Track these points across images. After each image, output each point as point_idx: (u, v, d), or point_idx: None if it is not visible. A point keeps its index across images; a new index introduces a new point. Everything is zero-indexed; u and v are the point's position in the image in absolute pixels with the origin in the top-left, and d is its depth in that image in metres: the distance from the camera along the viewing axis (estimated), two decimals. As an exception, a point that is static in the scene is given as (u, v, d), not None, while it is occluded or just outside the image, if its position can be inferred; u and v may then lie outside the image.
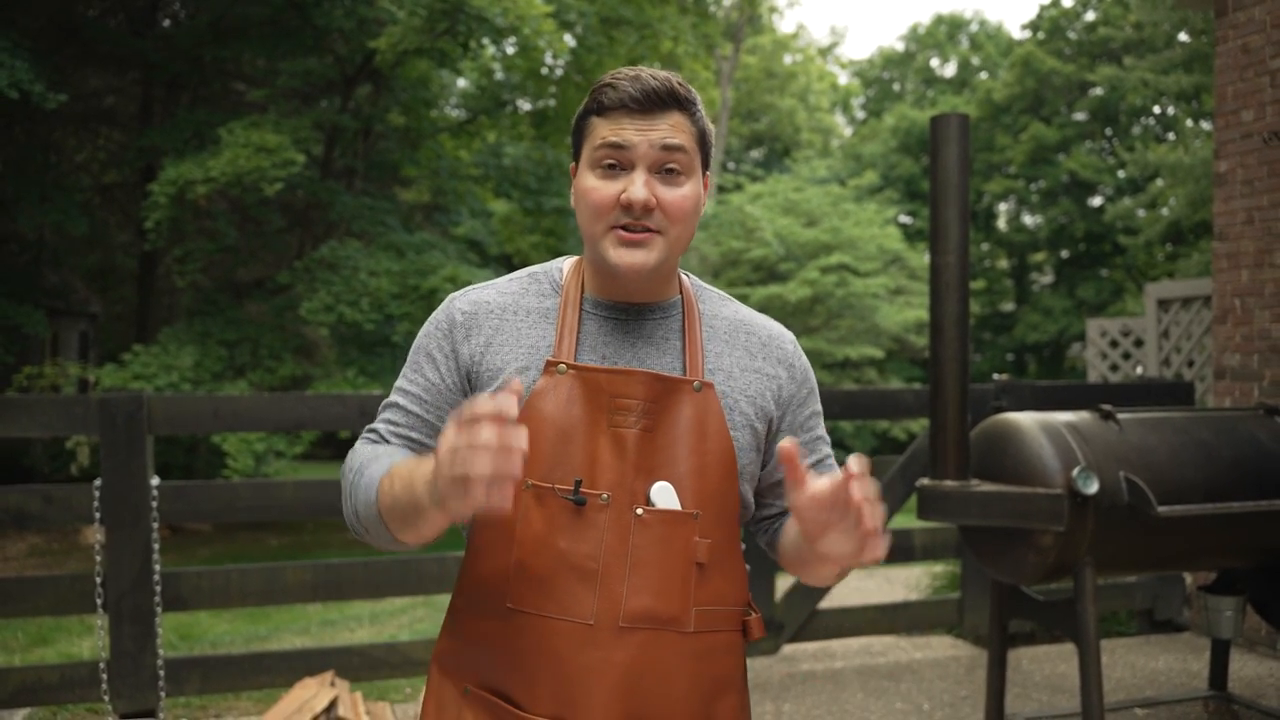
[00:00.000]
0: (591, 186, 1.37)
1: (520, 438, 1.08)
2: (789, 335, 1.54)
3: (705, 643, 1.39)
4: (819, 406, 1.55)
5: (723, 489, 1.40)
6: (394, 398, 1.47)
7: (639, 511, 1.35)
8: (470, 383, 1.42)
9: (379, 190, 12.30)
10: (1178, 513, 2.91)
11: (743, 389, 1.44)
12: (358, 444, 1.48)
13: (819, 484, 1.19)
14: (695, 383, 1.40)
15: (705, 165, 1.45)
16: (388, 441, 1.45)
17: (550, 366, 1.37)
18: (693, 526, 1.37)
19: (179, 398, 4.06)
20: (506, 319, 1.43)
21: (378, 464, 1.37)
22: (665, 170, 1.36)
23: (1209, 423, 3.29)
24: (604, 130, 1.37)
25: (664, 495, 1.37)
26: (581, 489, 1.34)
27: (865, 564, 1.23)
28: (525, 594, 1.35)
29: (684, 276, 1.52)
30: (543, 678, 1.34)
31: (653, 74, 1.37)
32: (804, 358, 1.54)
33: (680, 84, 1.38)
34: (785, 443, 1.17)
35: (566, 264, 1.51)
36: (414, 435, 1.44)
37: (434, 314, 1.49)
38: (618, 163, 1.36)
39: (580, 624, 1.33)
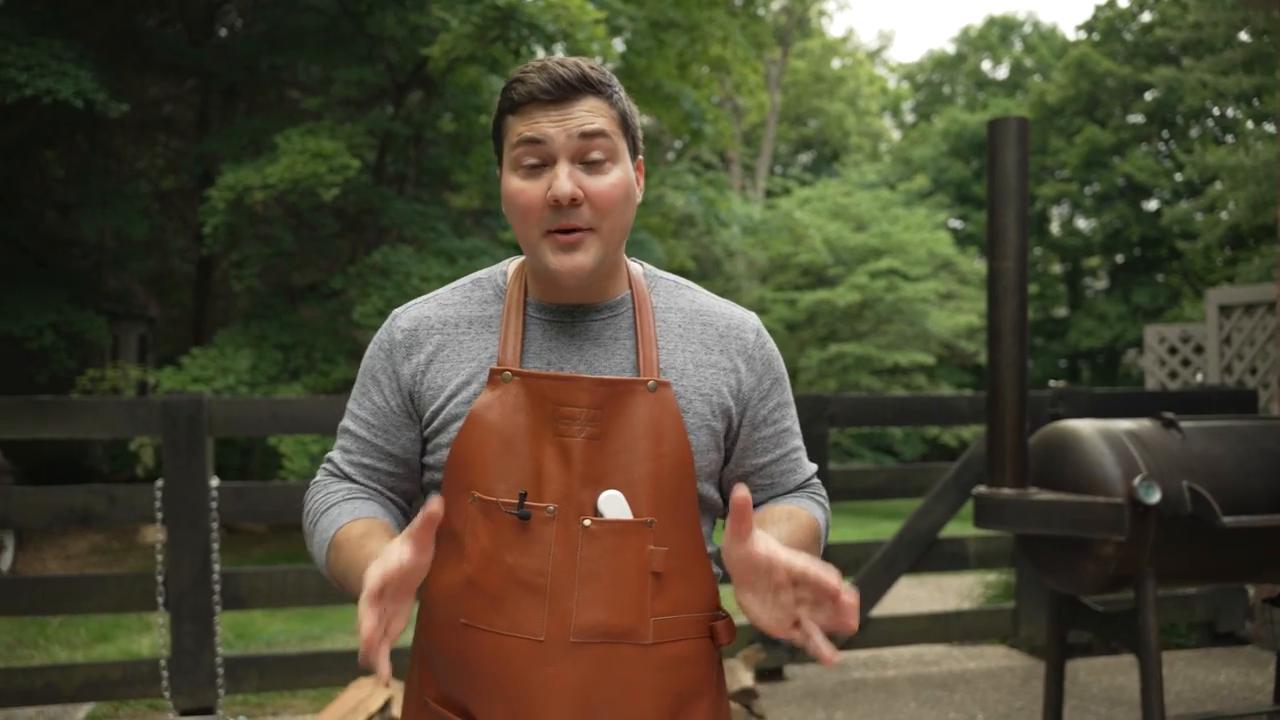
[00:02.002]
0: (517, 189, 1.32)
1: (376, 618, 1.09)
2: (751, 322, 1.45)
3: (667, 653, 1.34)
4: (787, 397, 1.48)
5: (680, 493, 1.35)
6: (346, 422, 1.46)
7: (586, 523, 1.30)
8: (413, 402, 1.40)
9: (430, 196, 12.41)
10: (1244, 523, 2.85)
11: (696, 387, 1.38)
12: (318, 474, 1.48)
13: (758, 547, 1.15)
14: (650, 382, 1.34)
15: (634, 151, 1.38)
16: (343, 473, 1.45)
17: (495, 375, 1.34)
18: (646, 535, 1.31)
19: (238, 400, 4.14)
20: (448, 333, 1.40)
21: (327, 518, 1.37)
22: (589, 160, 1.30)
23: (1275, 431, 3.21)
24: (519, 127, 1.31)
25: (613, 505, 1.31)
26: (526, 501, 1.30)
27: (791, 636, 1.19)
28: (476, 610, 1.32)
29: (634, 266, 1.46)
30: (498, 695, 1.31)
31: (560, 61, 1.31)
32: (768, 346, 1.46)
33: (592, 68, 1.32)
34: (739, 492, 1.13)
35: (511, 266, 1.46)
36: (366, 461, 1.44)
37: (377, 333, 1.46)
38: (538, 159, 1.30)
39: (531, 640, 1.29)
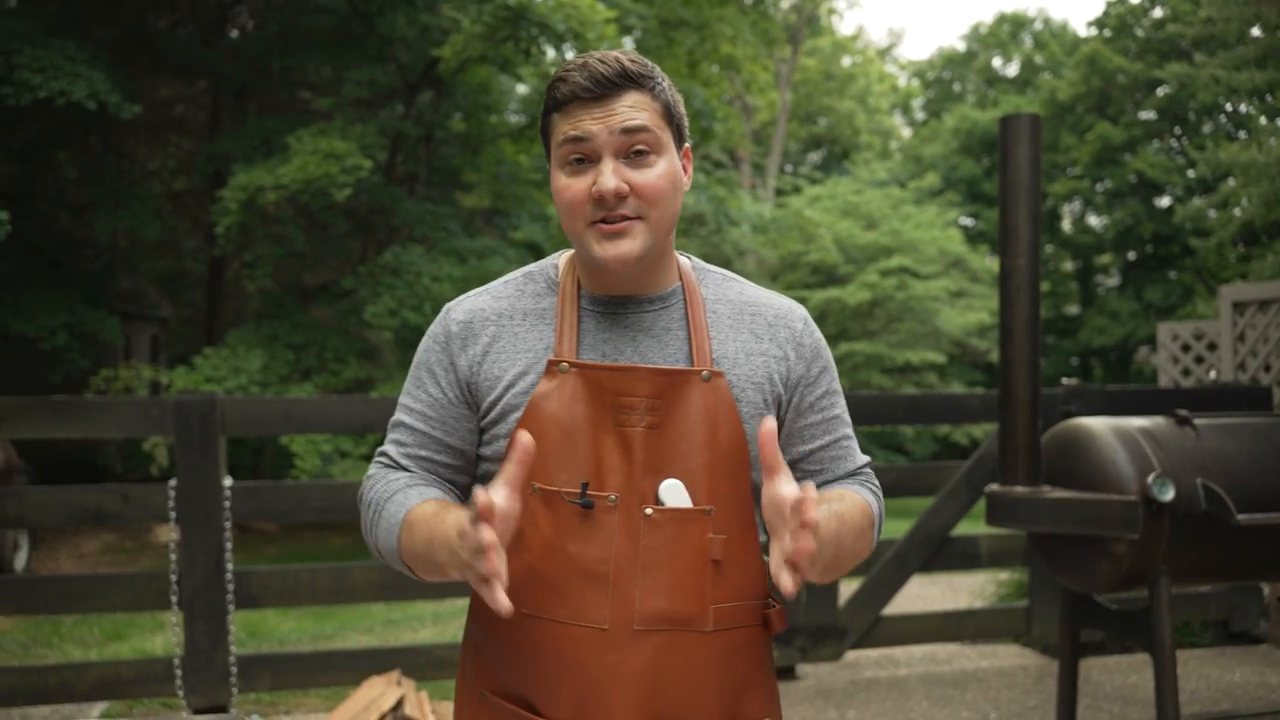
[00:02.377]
0: (563, 185, 1.34)
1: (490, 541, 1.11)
2: (799, 312, 1.47)
3: (726, 640, 1.36)
4: (835, 385, 1.49)
5: (736, 481, 1.36)
6: (400, 416, 1.46)
7: (648, 511, 1.32)
8: (470, 393, 1.41)
9: (440, 195, 12.43)
10: (1259, 521, 2.84)
11: (749, 375, 1.40)
12: (372, 468, 1.47)
13: (786, 487, 1.16)
14: (704, 372, 1.36)
15: (680, 139, 1.40)
16: (400, 465, 1.44)
17: (552, 366, 1.35)
18: (706, 523, 1.33)
19: (251, 400, 4.15)
20: (503, 324, 1.41)
21: (394, 503, 1.36)
22: (634, 153, 1.32)
23: (1290, 429, 3.20)
24: (564, 126, 1.33)
25: (674, 493, 1.33)
26: (588, 491, 1.32)
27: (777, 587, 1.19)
28: (538, 599, 1.33)
29: (683, 260, 1.48)
30: (561, 683, 1.32)
31: (601, 57, 1.33)
32: (816, 334, 1.48)
33: (632, 61, 1.34)
34: (766, 423, 1.15)
35: (562, 259, 1.47)
36: (423, 453, 1.43)
37: (431, 326, 1.47)
38: (584, 156, 1.32)
39: (594, 629, 1.31)
